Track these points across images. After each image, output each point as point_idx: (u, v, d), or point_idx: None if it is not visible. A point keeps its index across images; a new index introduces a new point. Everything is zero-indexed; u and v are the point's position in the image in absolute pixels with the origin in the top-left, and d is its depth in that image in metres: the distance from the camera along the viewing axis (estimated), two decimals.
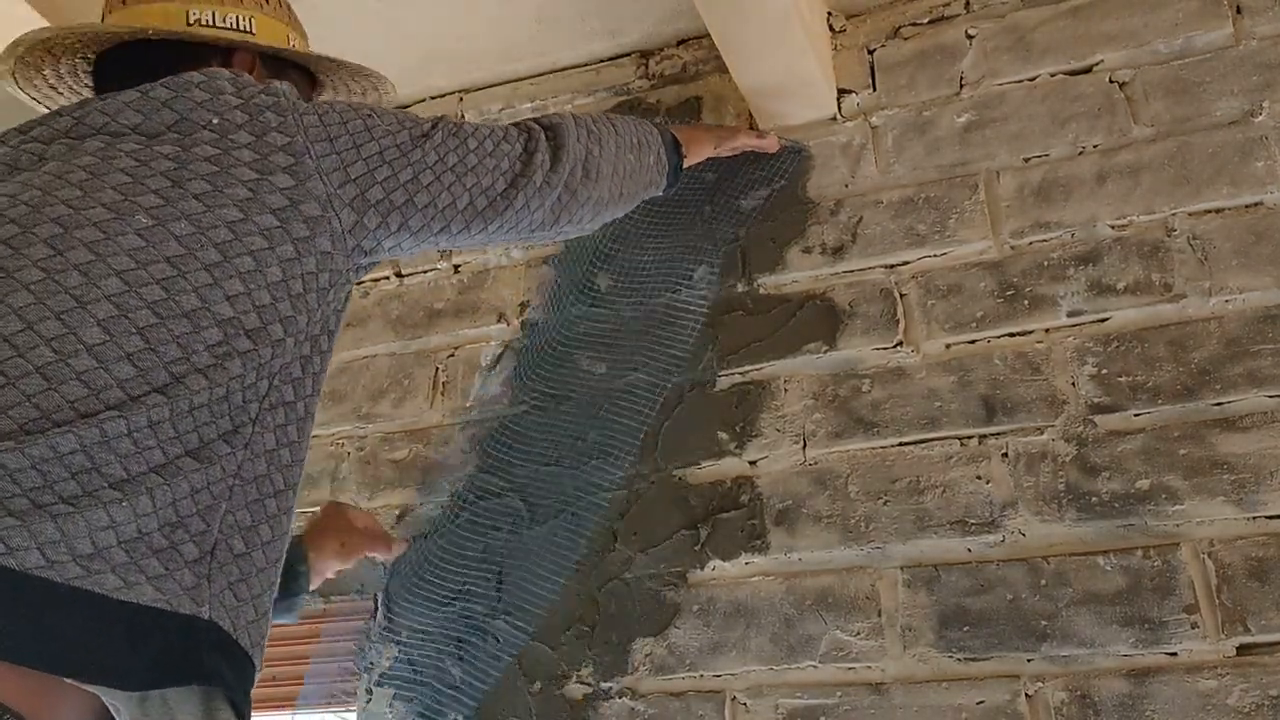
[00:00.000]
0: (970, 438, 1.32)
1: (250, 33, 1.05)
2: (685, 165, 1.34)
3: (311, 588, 1.32)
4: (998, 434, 1.30)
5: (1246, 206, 1.31)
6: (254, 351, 0.81)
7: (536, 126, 1.10)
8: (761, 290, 1.51)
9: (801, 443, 1.39)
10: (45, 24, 1.50)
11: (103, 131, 0.86)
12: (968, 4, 1.58)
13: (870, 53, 1.61)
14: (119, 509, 0.70)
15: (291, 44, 1.09)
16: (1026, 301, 1.36)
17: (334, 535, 1.37)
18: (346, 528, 1.38)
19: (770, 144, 1.53)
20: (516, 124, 1.09)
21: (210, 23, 1.03)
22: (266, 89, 0.90)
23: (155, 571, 0.71)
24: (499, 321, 1.66)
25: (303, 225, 0.86)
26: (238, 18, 1.05)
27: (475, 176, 1.00)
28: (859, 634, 1.26)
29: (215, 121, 0.86)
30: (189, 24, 1.03)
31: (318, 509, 1.41)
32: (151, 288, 0.77)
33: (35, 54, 1.01)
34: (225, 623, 0.75)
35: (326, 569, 1.37)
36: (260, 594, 0.81)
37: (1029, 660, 1.18)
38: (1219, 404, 1.22)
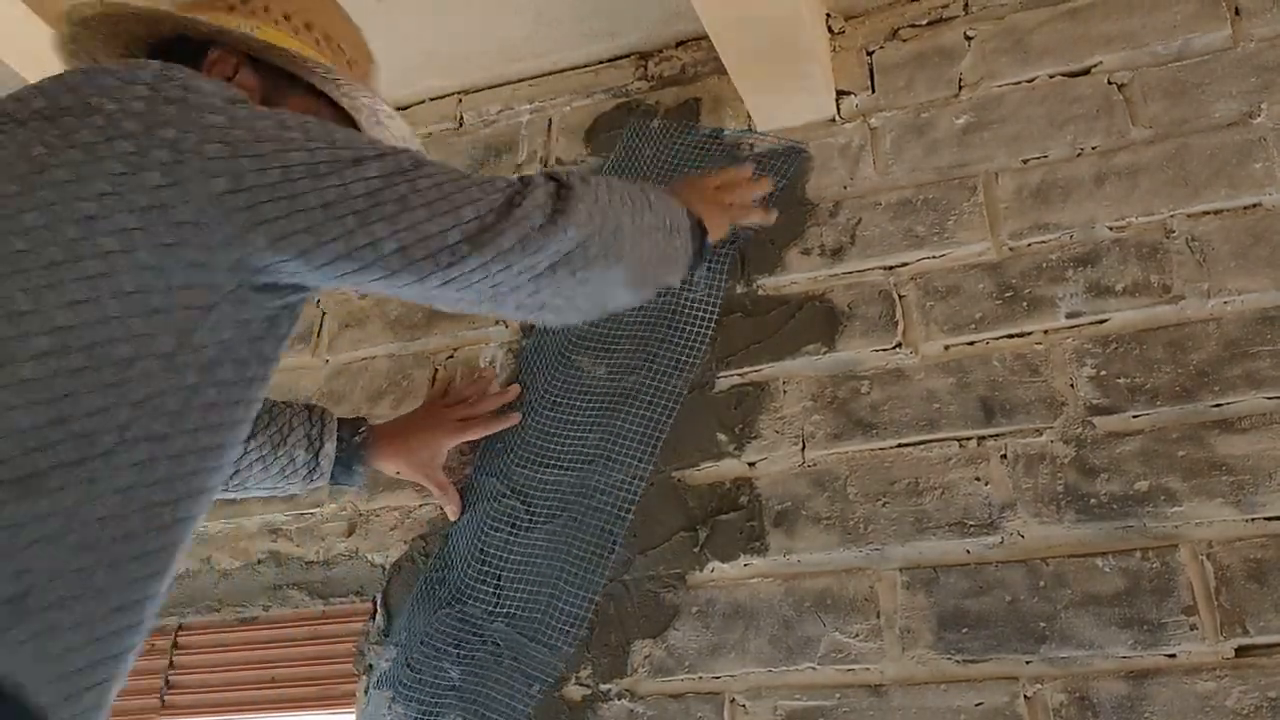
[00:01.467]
0: (969, 439, 1.32)
1: (244, 35, 0.94)
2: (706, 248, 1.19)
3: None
4: (997, 435, 1.31)
5: (1245, 208, 1.31)
6: (89, 370, 0.71)
7: (542, 178, 0.94)
8: (760, 291, 1.51)
9: (800, 444, 1.39)
10: (38, 21, 1.49)
11: (11, 117, 0.78)
12: (966, 6, 1.58)
13: (869, 54, 1.61)
14: None
15: (299, 56, 0.97)
16: (1025, 303, 1.36)
17: (408, 448, 1.35)
18: (423, 455, 1.36)
19: (768, 218, 1.41)
20: (522, 177, 0.94)
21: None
22: (187, 83, 0.80)
23: None
24: (498, 323, 1.66)
25: (167, 230, 0.75)
26: (245, 26, 0.95)
27: (411, 218, 0.83)
28: (858, 636, 1.26)
29: (110, 108, 0.77)
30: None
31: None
32: None
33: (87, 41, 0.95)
34: (17, 673, 0.66)
35: (390, 470, 1.39)
36: (79, 648, 0.70)
37: (1028, 662, 1.18)
38: (1218, 405, 1.23)
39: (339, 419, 1.38)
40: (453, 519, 1.48)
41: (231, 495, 1.26)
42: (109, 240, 0.73)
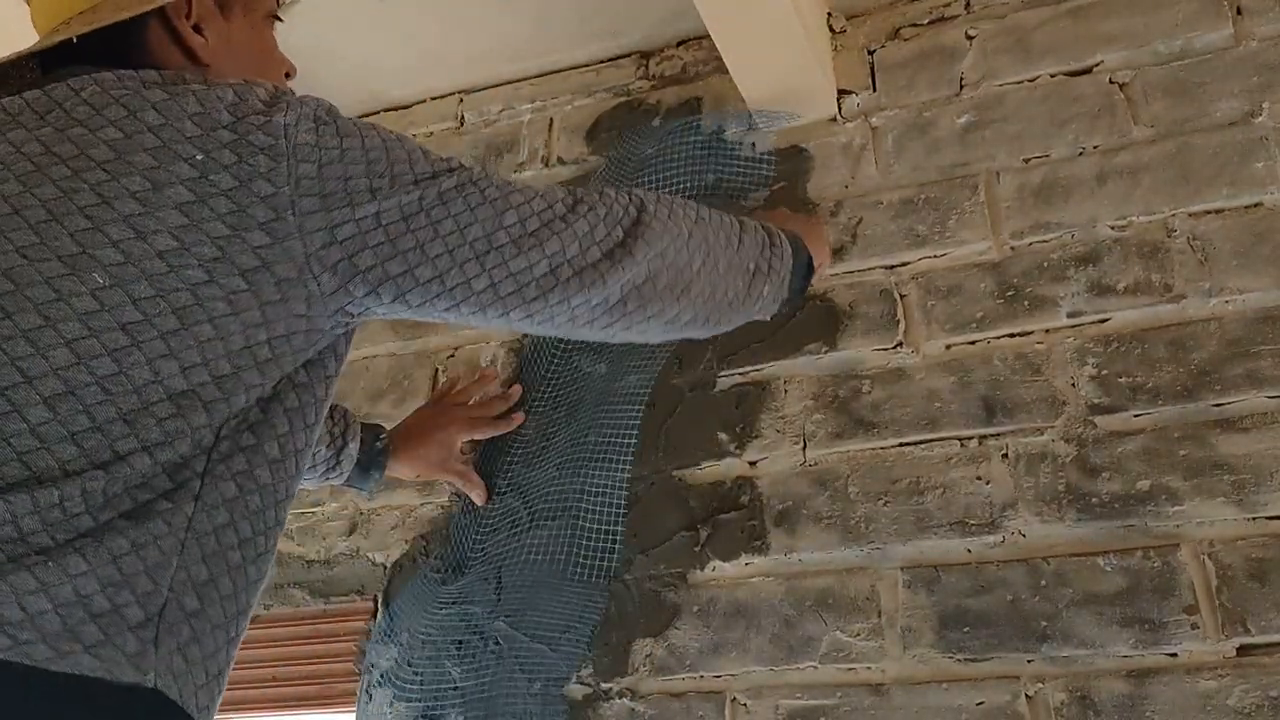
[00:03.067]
0: (970, 438, 1.32)
1: None
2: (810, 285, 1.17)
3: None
4: (998, 435, 1.30)
5: (1247, 207, 1.31)
6: (208, 427, 0.73)
7: (624, 202, 0.93)
8: None
9: (801, 443, 1.39)
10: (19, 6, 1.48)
11: (72, 131, 0.75)
12: (968, 5, 1.58)
13: (870, 53, 1.61)
14: (45, 570, 0.64)
15: None
16: (1026, 302, 1.36)
17: (424, 451, 1.35)
18: (439, 454, 1.35)
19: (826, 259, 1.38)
20: (589, 194, 0.93)
21: None
22: (267, 124, 0.78)
23: (93, 639, 0.65)
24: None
25: (274, 289, 0.76)
26: None
27: (500, 255, 0.85)
28: (859, 635, 1.26)
29: (199, 158, 0.75)
30: None
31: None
32: (102, 360, 0.69)
33: None
34: (172, 690, 0.69)
35: (409, 475, 1.37)
36: (215, 652, 0.74)
37: (1029, 661, 1.18)
38: (1219, 405, 1.22)
39: (360, 422, 1.38)
40: (480, 503, 1.47)
41: None
42: (219, 305, 0.74)
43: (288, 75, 1.03)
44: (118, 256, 0.71)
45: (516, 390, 1.53)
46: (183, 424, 0.72)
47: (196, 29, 0.90)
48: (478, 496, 1.46)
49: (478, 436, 1.48)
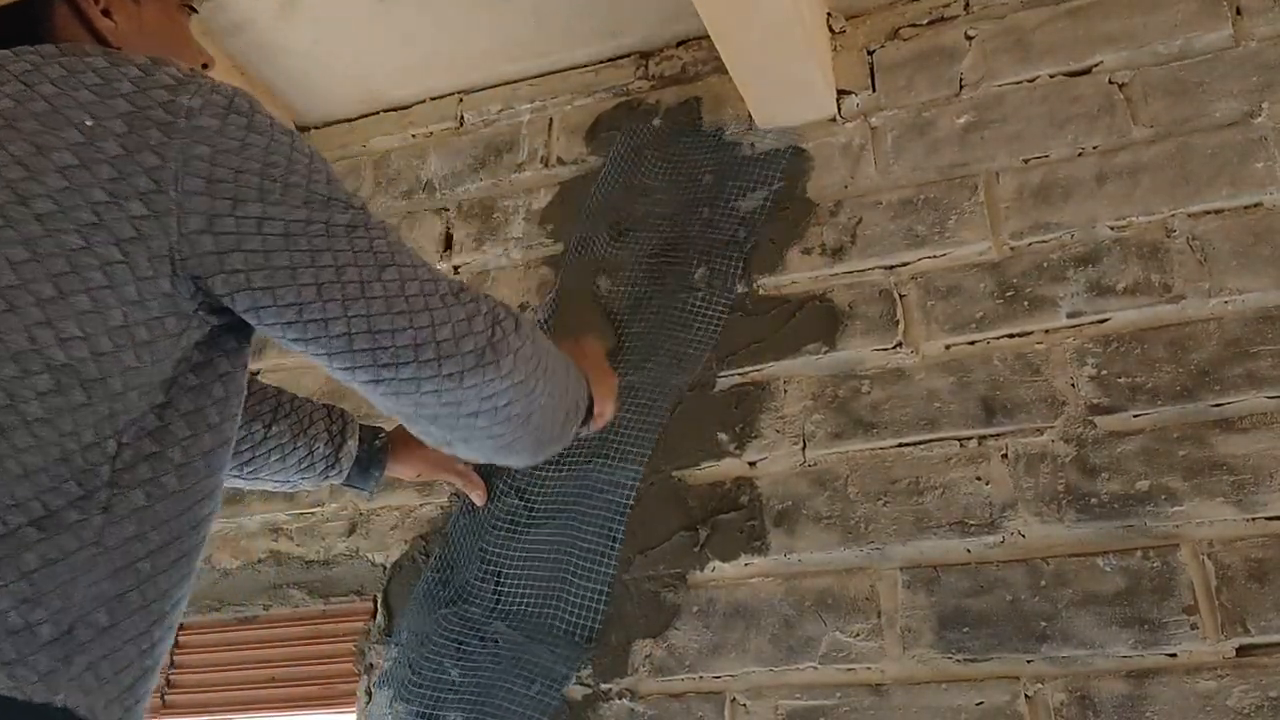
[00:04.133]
0: (970, 438, 1.32)
1: None
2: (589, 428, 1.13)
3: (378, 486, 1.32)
4: (997, 435, 1.30)
5: (1246, 207, 1.31)
6: (88, 406, 0.71)
7: (503, 317, 0.89)
8: (761, 291, 1.51)
9: (801, 444, 1.39)
10: None
11: None
12: (967, 5, 1.58)
13: (870, 54, 1.61)
14: None
15: None
16: (1026, 302, 1.36)
17: (425, 451, 1.32)
18: (440, 453, 1.28)
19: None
20: (479, 295, 0.89)
21: None
22: (169, 104, 0.76)
23: (8, 656, 0.65)
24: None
25: (147, 264, 0.74)
26: None
27: (366, 308, 0.81)
28: (859, 635, 1.26)
29: (88, 124, 0.73)
30: None
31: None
32: None
33: None
34: (81, 708, 0.68)
35: (409, 476, 1.35)
36: (128, 665, 0.73)
37: (1029, 661, 1.18)
38: (1218, 405, 1.22)
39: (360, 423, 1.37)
40: (480, 504, 1.46)
41: (242, 483, 1.24)
42: (96, 275, 0.72)
43: (205, 66, 1.00)
44: None
45: None
46: (61, 401, 0.70)
47: (105, 13, 0.89)
48: (478, 497, 1.46)
49: None
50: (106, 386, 0.72)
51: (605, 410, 1.16)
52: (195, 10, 1.00)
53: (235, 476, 1.20)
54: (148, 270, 0.74)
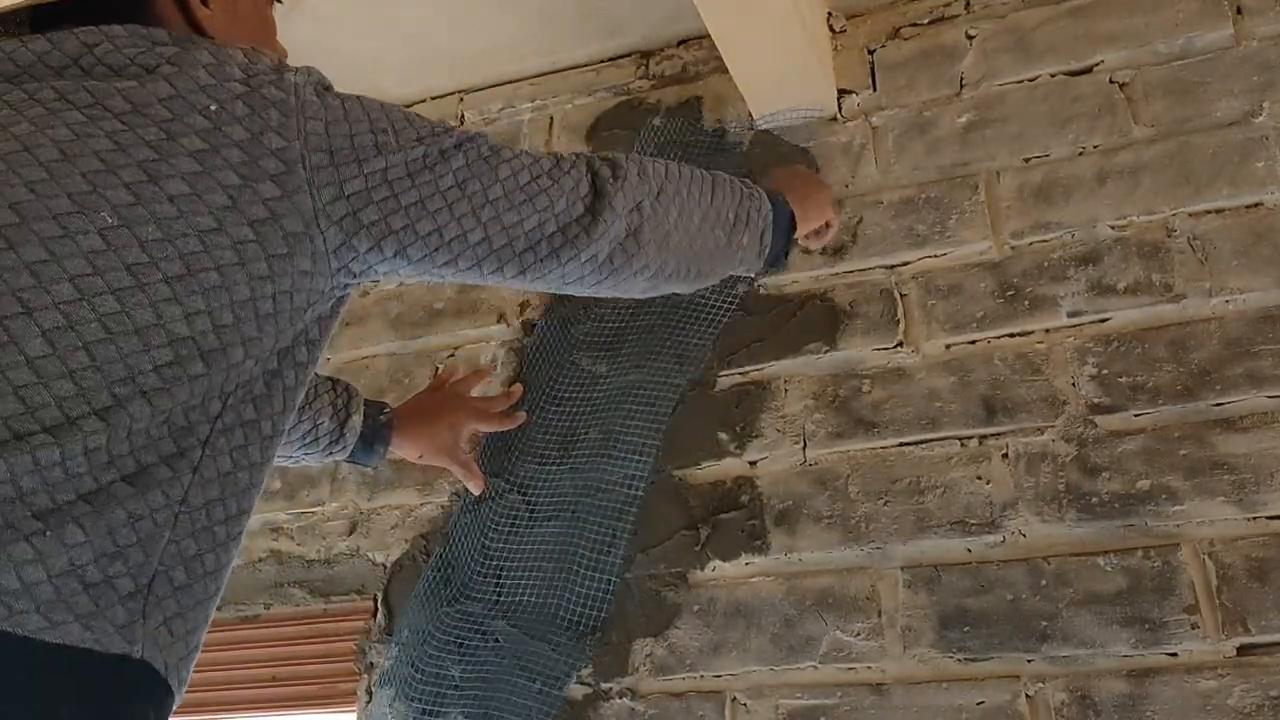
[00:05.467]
0: (970, 438, 1.32)
1: None
2: (793, 243, 1.17)
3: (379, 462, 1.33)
4: (998, 434, 1.30)
5: (1247, 207, 1.31)
6: (205, 376, 0.73)
7: (602, 166, 0.96)
8: (762, 290, 1.51)
9: (802, 443, 1.39)
10: None
11: (87, 83, 0.76)
12: (968, 4, 1.58)
13: (870, 53, 1.61)
14: (43, 540, 0.64)
15: None
16: (1027, 302, 1.36)
17: (431, 432, 1.33)
18: (447, 437, 1.33)
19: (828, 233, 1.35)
20: (573, 159, 0.95)
21: None
22: (278, 80, 0.80)
23: (85, 609, 0.66)
24: (499, 322, 1.66)
25: (281, 241, 0.77)
26: None
27: (494, 210, 0.88)
28: (859, 634, 1.26)
29: (213, 108, 0.76)
30: None
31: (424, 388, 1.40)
32: (105, 298, 0.70)
33: None
34: (157, 661, 0.70)
35: (412, 455, 1.35)
36: (196, 628, 0.75)
37: (1029, 661, 1.18)
38: (1219, 404, 1.22)
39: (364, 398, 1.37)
40: (476, 493, 1.44)
41: None
42: (227, 254, 0.74)
43: (281, 59, 1.03)
44: (128, 198, 0.72)
45: (518, 390, 1.52)
46: (180, 371, 0.72)
47: (204, 1, 0.91)
48: (474, 486, 1.43)
49: (484, 428, 1.45)
50: (227, 356, 0.75)
51: (812, 214, 1.23)
52: (280, 1, 1.03)
53: None
54: (281, 248, 0.77)
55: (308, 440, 1.24)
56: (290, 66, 0.83)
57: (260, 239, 0.76)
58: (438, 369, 1.67)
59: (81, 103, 0.75)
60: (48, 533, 0.65)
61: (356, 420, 1.28)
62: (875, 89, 1.58)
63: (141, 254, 0.71)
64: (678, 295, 1.52)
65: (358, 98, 0.86)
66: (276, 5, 1.03)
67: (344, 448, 1.28)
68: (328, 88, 0.85)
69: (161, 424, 0.72)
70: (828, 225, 1.31)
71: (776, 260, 1.16)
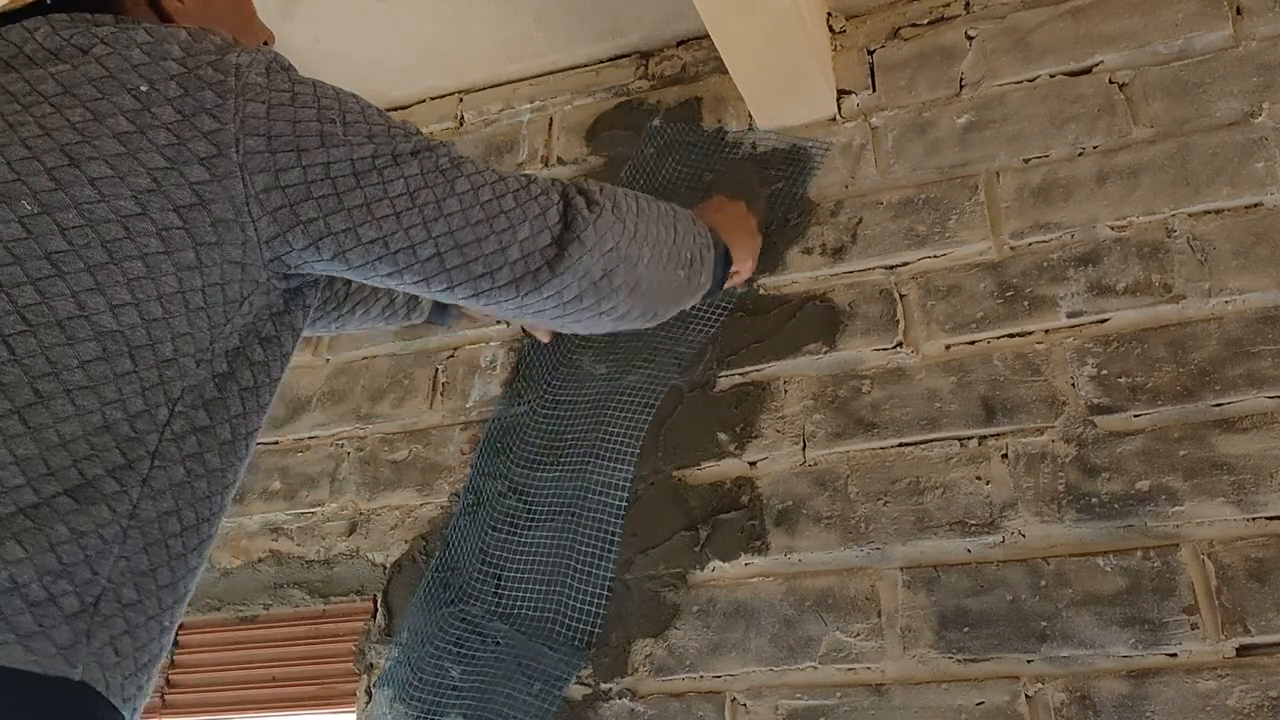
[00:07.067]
0: (970, 438, 1.32)
1: None
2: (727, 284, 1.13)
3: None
4: (997, 435, 1.30)
5: (1246, 207, 1.31)
6: (133, 374, 0.70)
7: (577, 198, 0.89)
8: (761, 291, 1.51)
9: (801, 443, 1.39)
10: None
11: (27, 72, 0.73)
12: (967, 5, 1.58)
13: (870, 53, 1.61)
14: None
15: None
16: (1026, 302, 1.36)
17: None
18: None
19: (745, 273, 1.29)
20: (546, 184, 0.89)
21: None
22: (218, 61, 0.75)
23: (28, 628, 0.63)
24: (499, 322, 1.66)
25: (209, 229, 0.73)
26: None
27: (449, 224, 0.82)
28: (859, 635, 1.26)
29: (143, 89, 0.72)
30: None
31: None
32: (24, 289, 0.66)
33: None
34: (99, 682, 0.67)
35: (478, 313, 1.37)
36: (148, 642, 0.72)
37: (1029, 661, 1.18)
38: (1219, 405, 1.22)
39: None
40: (545, 340, 1.44)
41: (326, 330, 1.25)
42: (152, 240, 0.71)
43: (266, 43, 1.00)
44: (48, 183, 0.69)
45: None
46: (106, 369, 0.69)
47: None
48: (543, 335, 1.40)
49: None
50: (156, 352, 0.71)
51: (744, 267, 1.17)
52: None
53: (322, 327, 1.23)
54: (209, 236, 0.73)
55: (386, 313, 1.27)
56: (241, 47, 0.79)
57: (187, 225, 0.72)
58: (437, 370, 1.67)
59: (20, 92, 0.73)
60: None
61: None
62: (875, 89, 1.59)
63: (62, 241, 0.68)
64: None
65: (314, 83, 0.81)
66: None
67: (421, 313, 1.31)
68: (285, 68, 0.80)
69: (100, 430, 0.68)
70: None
71: (713, 296, 1.12)
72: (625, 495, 1.40)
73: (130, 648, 0.70)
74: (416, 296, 1.28)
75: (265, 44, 1.00)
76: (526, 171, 0.92)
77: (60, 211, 0.69)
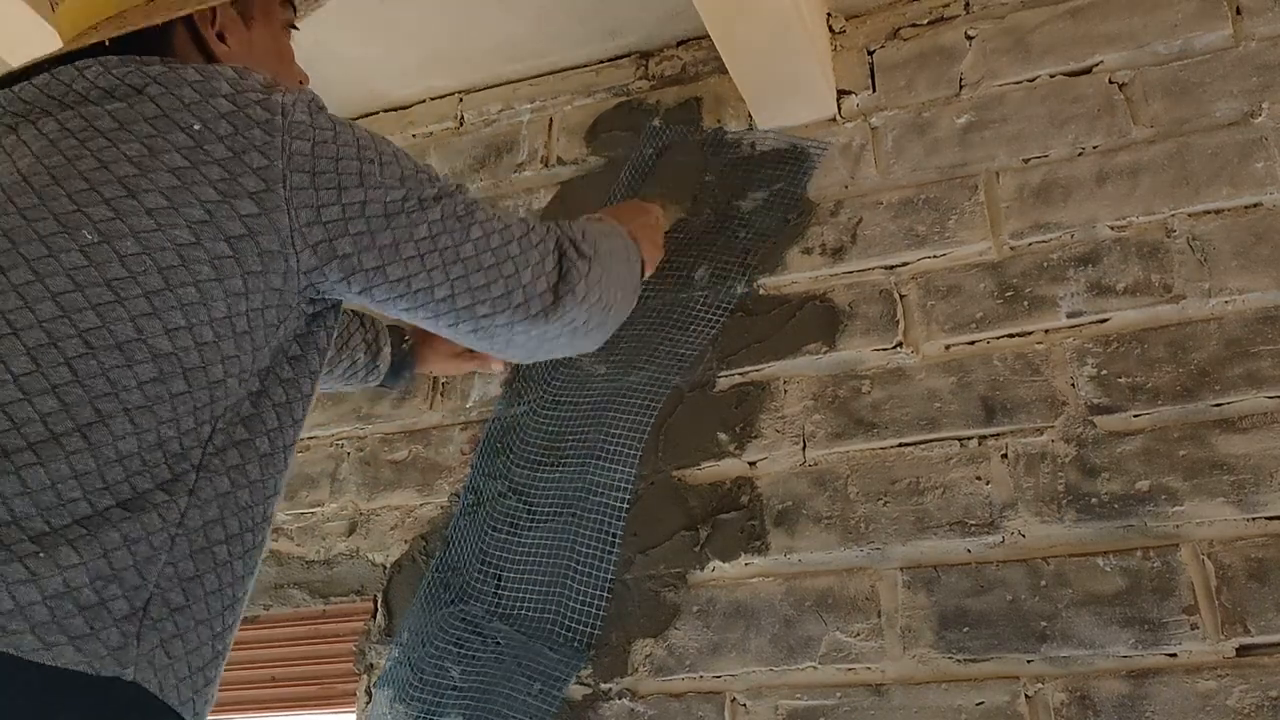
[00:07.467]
0: (970, 438, 1.32)
1: None
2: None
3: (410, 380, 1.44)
4: (997, 435, 1.30)
5: (1246, 207, 1.31)
6: (188, 394, 0.74)
7: (565, 248, 0.99)
8: (761, 291, 1.51)
9: (801, 443, 1.39)
10: (39, 20, 1.50)
11: (83, 109, 0.78)
12: (967, 5, 1.58)
13: (870, 54, 1.61)
14: (37, 561, 0.65)
15: None
16: (1026, 302, 1.36)
17: (441, 345, 1.41)
18: (457, 346, 1.38)
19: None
20: (543, 231, 0.98)
21: None
22: (266, 101, 0.81)
23: (79, 630, 0.66)
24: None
25: (256, 259, 0.78)
26: None
27: (463, 269, 0.90)
28: (859, 635, 1.26)
29: (196, 126, 0.78)
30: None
31: None
32: (86, 314, 0.71)
33: None
34: (152, 683, 0.70)
35: (436, 370, 1.45)
36: (199, 646, 0.75)
37: (1029, 661, 1.18)
38: (1219, 405, 1.22)
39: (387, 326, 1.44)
40: (496, 370, 1.53)
41: None
42: (205, 268, 0.75)
43: (300, 84, 1.06)
44: (108, 213, 0.73)
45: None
46: (162, 389, 0.73)
47: (220, 36, 0.93)
48: (495, 366, 1.49)
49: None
50: (207, 374, 0.76)
51: (652, 257, 1.27)
52: (296, 28, 1.05)
53: None
54: (256, 265, 0.78)
55: (346, 375, 1.35)
56: (283, 87, 0.84)
57: (236, 254, 0.77)
58: None
59: (76, 128, 0.77)
60: (41, 554, 0.65)
61: (387, 352, 1.38)
62: (874, 90, 1.59)
63: (121, 269, 0.72)
64: (675, 297, 1.52)
65: (351, 125, 0.86)
66: (293, 32, 1.04)
67: (377, 376, 1.39)
68: (321, 108, 0.85)
69: (153, 447, 0.72)
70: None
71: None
72: (626, 496, 1.40)
73: (182, 651, 0.73)
74: (376, 361, 1.37)
75: (300, 84, 1.05)
76: (521, 216, 0.99)
77: (119, 240, 0.73)
